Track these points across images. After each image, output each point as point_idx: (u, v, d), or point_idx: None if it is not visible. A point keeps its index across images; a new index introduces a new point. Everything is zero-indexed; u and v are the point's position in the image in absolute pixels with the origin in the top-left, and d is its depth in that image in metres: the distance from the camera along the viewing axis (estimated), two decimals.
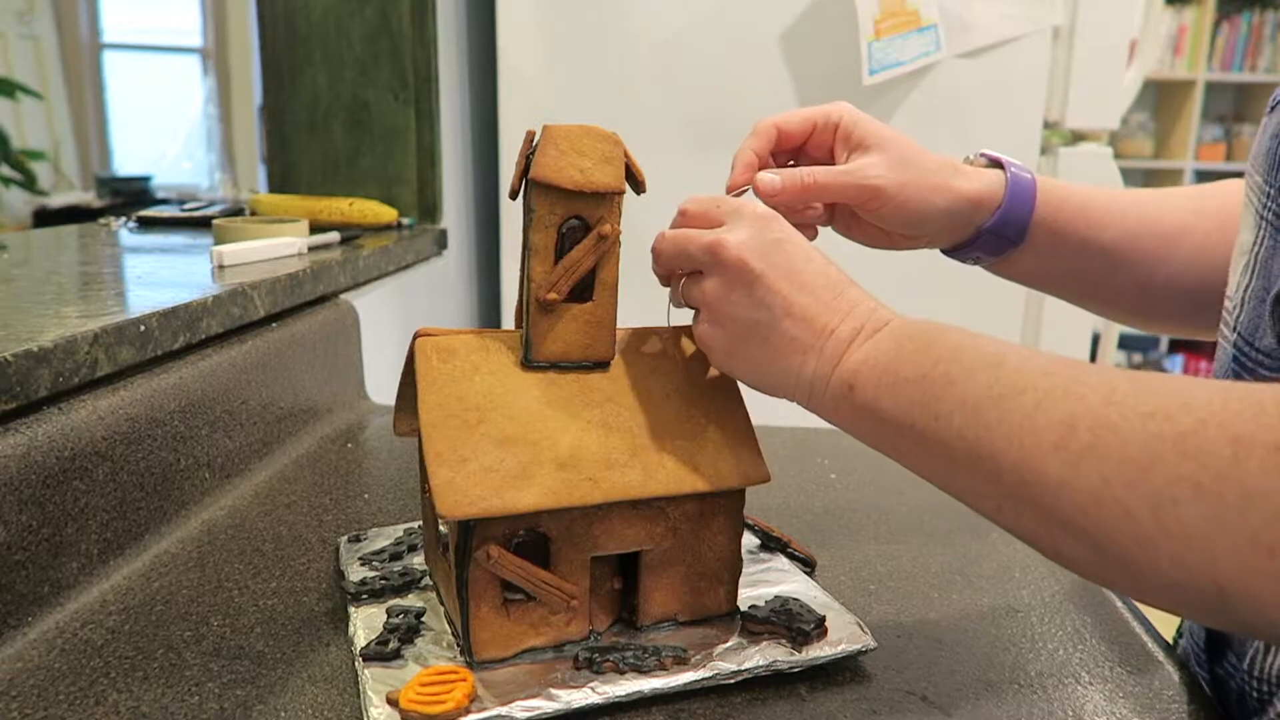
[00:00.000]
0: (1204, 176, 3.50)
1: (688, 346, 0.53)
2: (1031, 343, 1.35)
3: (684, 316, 0.52)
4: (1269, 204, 0.45)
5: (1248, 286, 0.47)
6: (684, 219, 0.50)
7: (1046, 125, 1.28)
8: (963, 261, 0.62)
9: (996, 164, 0.61)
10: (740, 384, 0.52)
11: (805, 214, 0.58)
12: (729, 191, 0.55)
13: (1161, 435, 0.34)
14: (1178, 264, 0.61)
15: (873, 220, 0.58)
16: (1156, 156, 3.65)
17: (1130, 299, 0.63)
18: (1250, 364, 0.46)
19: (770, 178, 0.54)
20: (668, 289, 0.52)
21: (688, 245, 0.48)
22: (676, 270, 0.51)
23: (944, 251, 0.62)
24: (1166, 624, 0.61)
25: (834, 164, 0.57)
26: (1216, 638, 0.50)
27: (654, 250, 0.51)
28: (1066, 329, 1.30)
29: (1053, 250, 0.60)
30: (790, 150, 0.58)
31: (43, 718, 0.43)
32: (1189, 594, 0.34)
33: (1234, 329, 0.49)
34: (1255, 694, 0.46)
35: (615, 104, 1.30)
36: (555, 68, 1.31)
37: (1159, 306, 0.62)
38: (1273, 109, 0.47)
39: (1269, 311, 0.45)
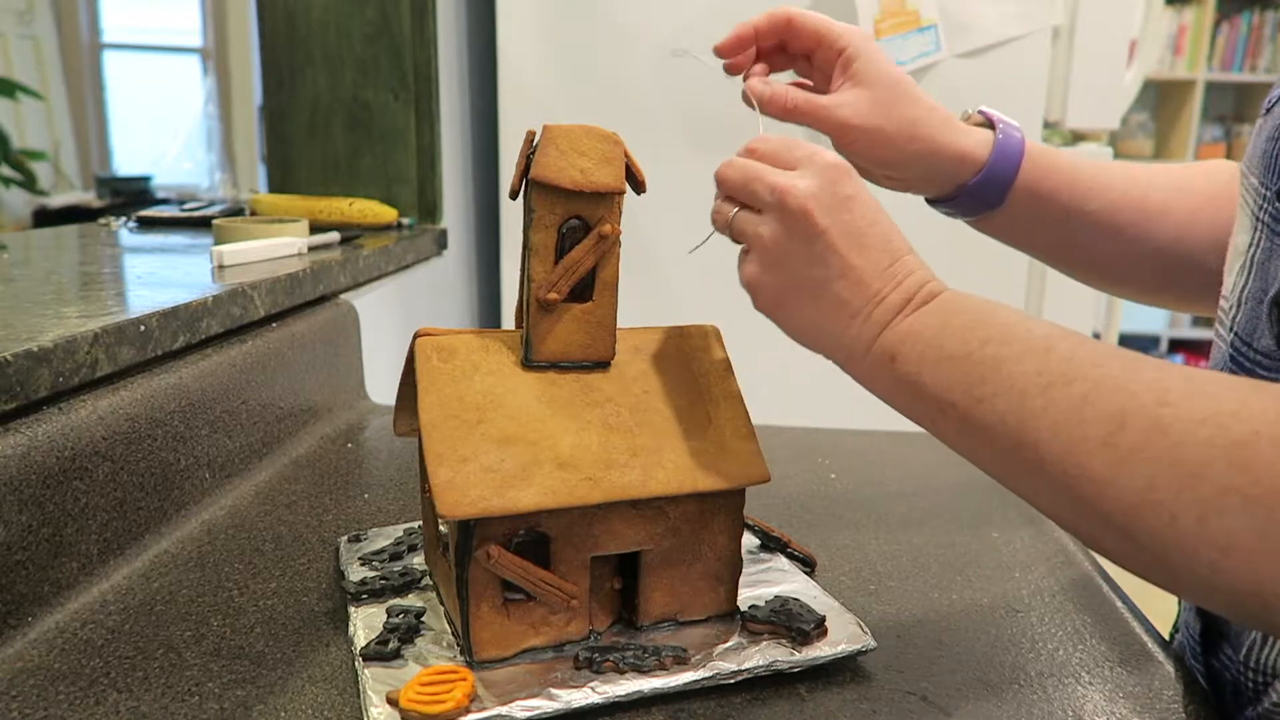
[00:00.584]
0: None
1: (688, 346, 0.53)
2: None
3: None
4: (1266, 206, 0.45)
5: (1244, 287, 0.47)
6: (753, 155, 0.49)
7: (1046, 125, 1.28)
8: (942, 213, 0.63)
9: (991, 124, 0.61)
10: (739, 384, 0.52)
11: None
12: (715, 50, 0.55)
13: (1213, 443, 0.33)
14: (1160, 239, 0.61)
15: (845, 152, 0.58)
16: (1156, 156, 3.65)
17: (1106, 267, 0.63)
18: (1248, 364, 0.46)
19: (760, 87, 0.55)
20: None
21: (756, 180, 0.47)
22: (736, 199, 0.49)
23: (927, 201, 0.63)
24: (1164, 620, 0.61)
25: (829, 88, 0.58)
26: (1212, 631, 0.50)
27: (718, 176, 0.50)
28: (1068, 322, 1.30)
29: (1034, 216, 0.60)
30: (795, 52, 0.59)
31: (43, 718, 0.43)
32: (1227, 598, 0.34)
33: (1231, 329, 0.49)
34: (1250, 684, 0.46)
35: (615, 104, 1.30)
36: (555, 68, 1.31)
37: (1133, 277, 0.63)
38: (1268, 110, 0.47)
39: (1267, 313, 0.45)
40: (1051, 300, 1.32)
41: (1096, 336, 1.47)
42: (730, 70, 0.58)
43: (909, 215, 0.64)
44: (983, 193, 0.59)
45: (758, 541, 0.62)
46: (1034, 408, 0.38)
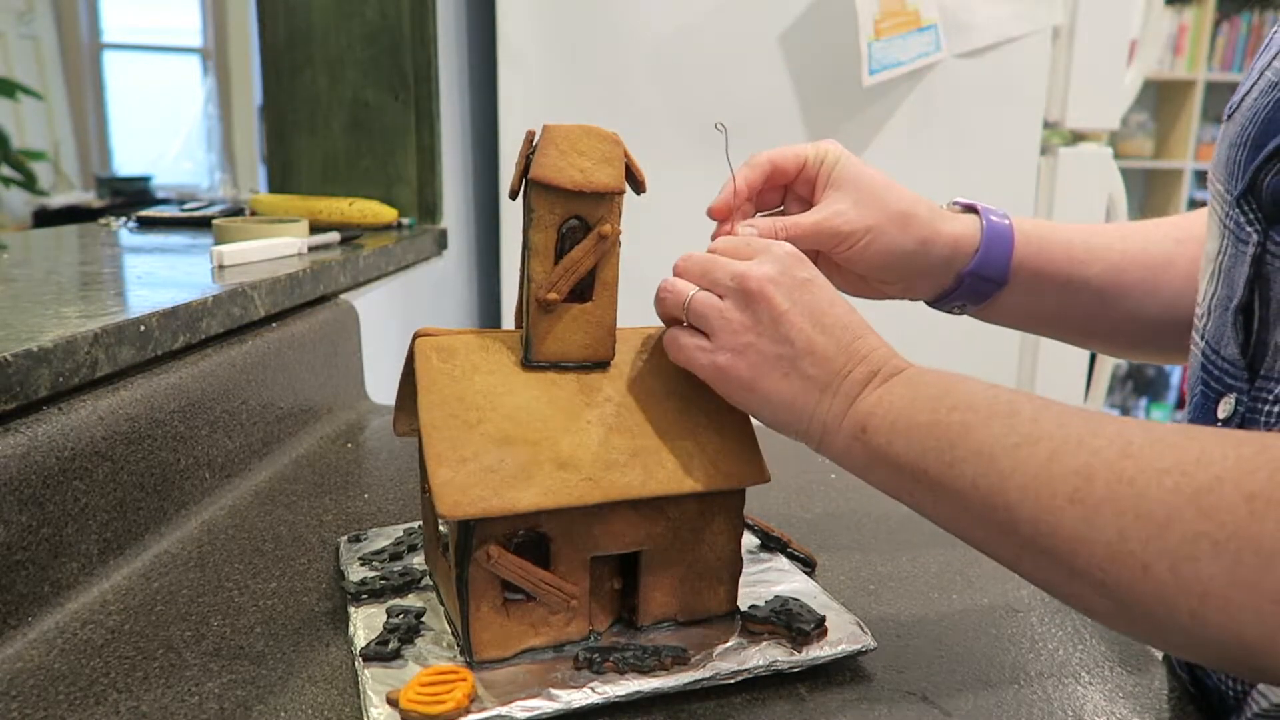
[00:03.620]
0: (1203, 176, 3.50)
1: None
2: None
3: None
4: (1230, 212, 0.45)
5: (1213, 294, 0.48)
6: (713, 252, 0.51)
7: (1046, 125, 1.28)
8: (949, 311, 0.62)
9: (971, 210, 0.61)
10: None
11: None
12: (708, 213, 0.55)
13: (1178, 490, 0.34)
14: (1168, 294, 0.60)
15: (846, 265, 0.57)
16: (1156, 156, 3.65)
17: (1127, 332, 0.62)
18: (1216, 372, 0.46)
19: (748, 230, 0.54)
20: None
21: (715, 269, 0.48)
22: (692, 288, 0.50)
23: (929, 303, 0.62)
24: None
25: (813, 202, 0.57)
26: None
27: (677, 267, 0.51)
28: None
29: (1039, 290, 0.60)
30: (781, 185, 0.58)
31: (43, 718, 0.43)
32: (1213, 649, 0.33)
33: (1203, 336, 0.49)
34: (1231, 693, 0.47)
35: (615, 104, 1.30)
36: (555, 68, 1.31)
37: (1157, 337, 0.62)
38: (1229, 117, 0.47)
39: (1232, 321, 0.45)
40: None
41: (1094, 355, 1.46)
42: (718, 219, 0.57)
43: (894, 307, 0.64)
44: (986, 272, 0.58)
45: (758, 541, 0.62)
46: (1003, 469, 0.39)
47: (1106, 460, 0.36)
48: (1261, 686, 0.45)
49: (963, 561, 0.63)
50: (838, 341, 0.47)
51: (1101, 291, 0.60)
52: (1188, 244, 0.60)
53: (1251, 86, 0.45)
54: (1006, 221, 0.59)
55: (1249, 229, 0.43)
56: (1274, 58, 0.44)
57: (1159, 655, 0.51)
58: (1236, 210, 0.44)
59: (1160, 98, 3.68)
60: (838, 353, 0.46)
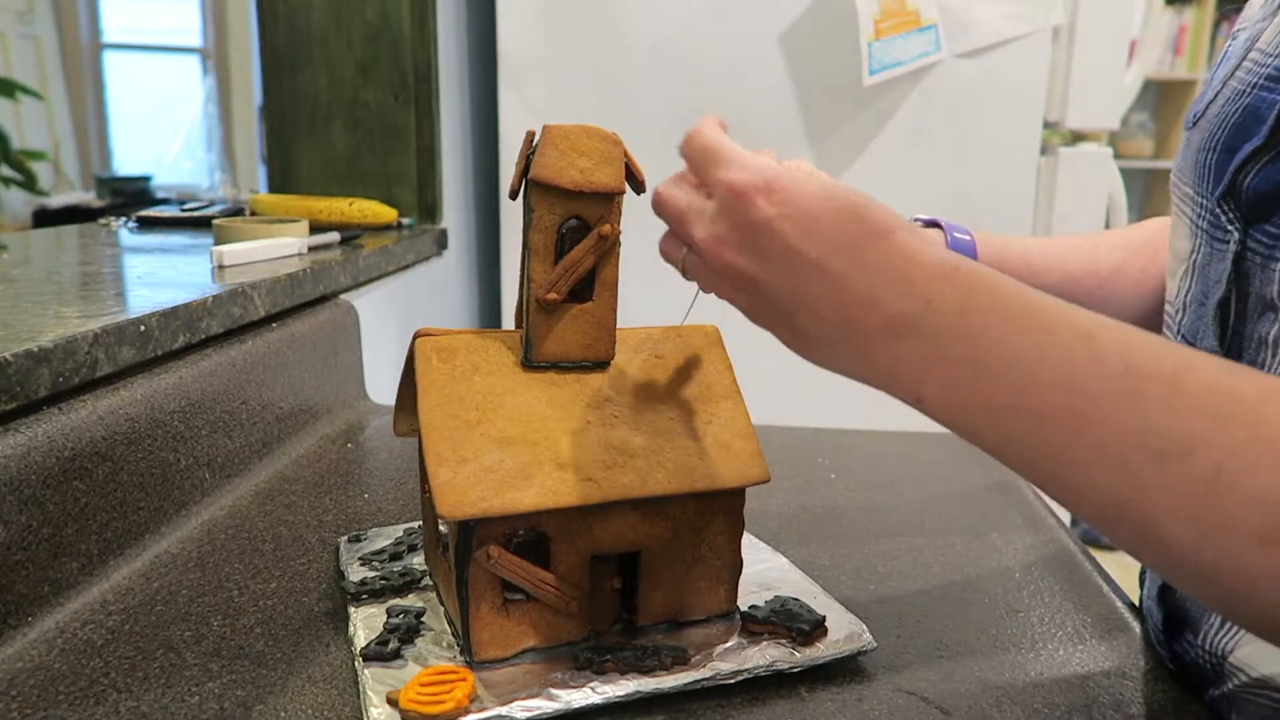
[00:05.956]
0: None
1: (687, 346, 0.53)
2: None
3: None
4: (1203, 214, 0.47)
5: (1188, 291, 0.49)
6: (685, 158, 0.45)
7: (1046, 125, 1.28)
8: None
9: (934, 224, 0.63)
10: (739, 384, 0.53)
11: None
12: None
13: None
14: (1121, 299, 0.63)
15: None
16: (1156, 156, 3.64)
17: None
18: None
19: None
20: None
21: (679, 228, 0.44)
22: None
23: None
24: None
25: None
26: (1174, 617, 0.51)
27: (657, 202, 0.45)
28: None
29: None
30: None
31: (43, 718, 0.43)
32: None
33: (1178, 332, 0.50)
34: (1210, 667, 0.47)
35: (615, 104, 1.30)
36: (555, 68, 1.31)
37: None
38: (1194, 124, 0.49)
39: (1212, 315, 0.46)
40: None
41: None
42: None
43: None
44: None
45: (758, 541, 0.62)
46: (1147, 483, 0.31)
47: None
48: (1236, 659, 0.45)
49: (963, 561, 0.63)
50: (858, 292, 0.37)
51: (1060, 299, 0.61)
52: (1134, 254, 0.64)
53: (1215, 95, 0.47)
54: (968, 237, 0.62)
55: (1230, 228, 0.44)
56: (1235, 68, 0.46)
57: (1160, 654, 0.51)
58: (1215, 210, 0.45)
59: (1160, 98, 3.68)
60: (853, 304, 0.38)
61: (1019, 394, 0.34)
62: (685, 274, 0.45)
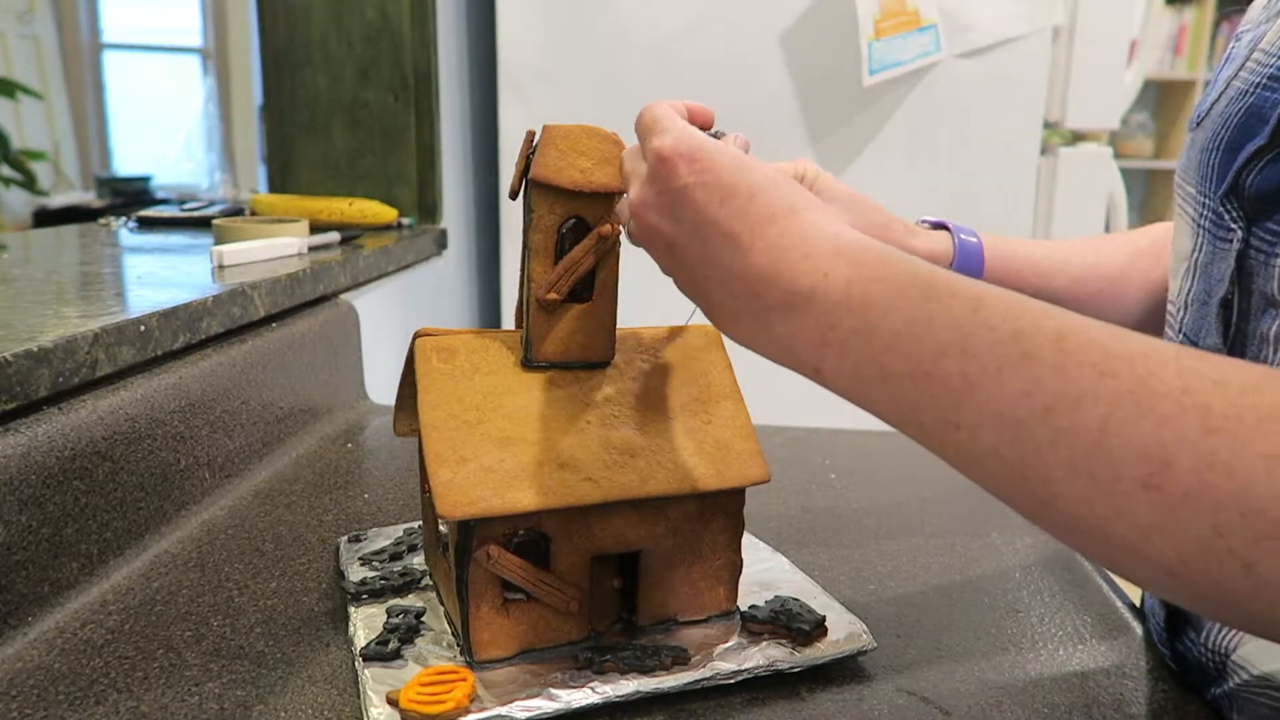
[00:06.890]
0: None
1: (688, 346, 0.53)
2: None
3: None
4: (1205, 213, 0.47)
5: (1190, 290, 0.49)
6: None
7: (1046, 125, 1.28)
8: None
9: (941, 227, 0.63)
10: (739, 384, 0.53)
11: None
12: None
13: None
14: (1127, 302, 0.64)
15: None
16: (1156, 156, 3.65)
17: None
18: None
19: None
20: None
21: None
22: None
23: None
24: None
25: None
26: (1176, 616, 0.51)
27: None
28: None
29: None
30: None
31: (43, 718, 0.43)
32: None
33: (1179, 330, 0.50)
34: (1212, 665, 0.47)
35: (615, 104, 1.30)
36: (555, 68, 1.31)
37: None
38: (1197, 125, 0.49)
39: (1214, 313, 0.46)
40: None
41: None
42: None
43: None
44: None
45: (758, 541, 0.62)
46: (1038, 440, 0.32)
47: (1185, 437, 0.29)
48: (1239, 657, 0.45)
49: (963, 561, 0.63)
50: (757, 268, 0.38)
51: (1065, 302, 0.62)
52: (1138, 257, 0.64)
53: (1219, 96, 0.47)
54: (976, 240, 0.62)
55: (1233, 227, 0.44)
56: (1238, 69, 0.46)
57: (1161, 653, 0.51)
58: (1219, 209, 0.46)
59: (1160, 98, 3.68)
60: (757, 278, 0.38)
61: (910, 362, 0.35)
62: (630, 236, 0.45)
